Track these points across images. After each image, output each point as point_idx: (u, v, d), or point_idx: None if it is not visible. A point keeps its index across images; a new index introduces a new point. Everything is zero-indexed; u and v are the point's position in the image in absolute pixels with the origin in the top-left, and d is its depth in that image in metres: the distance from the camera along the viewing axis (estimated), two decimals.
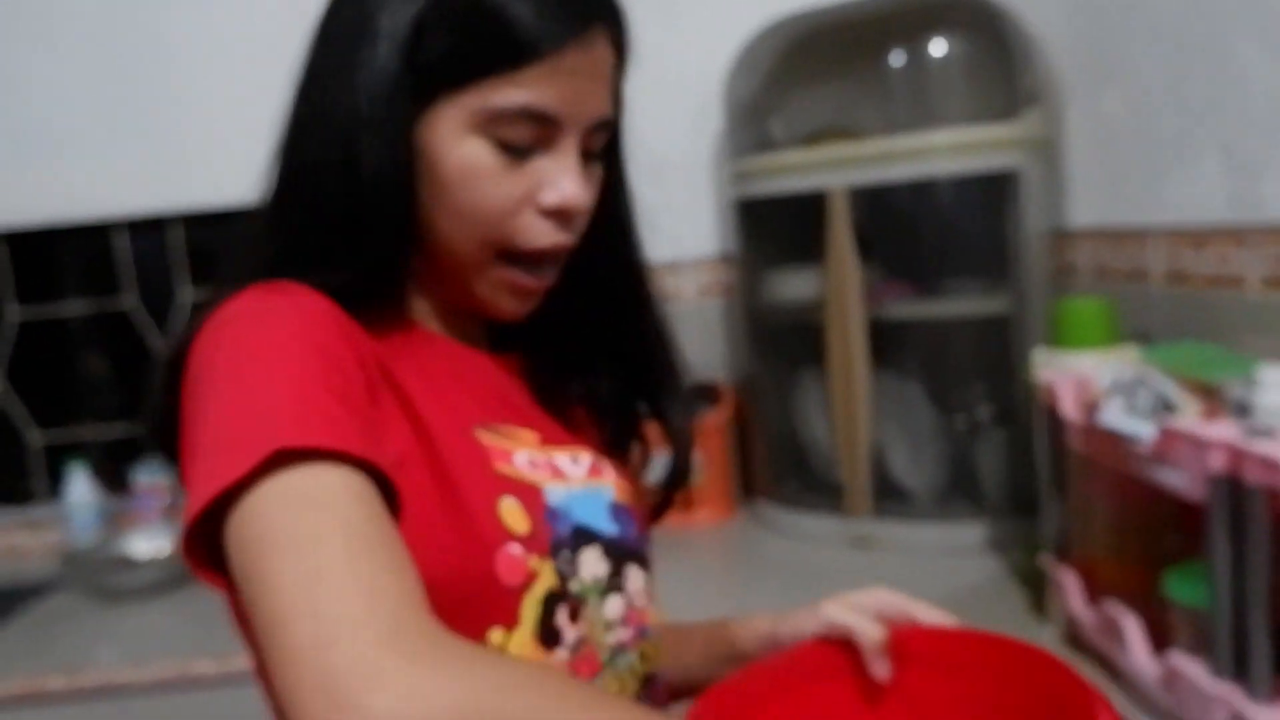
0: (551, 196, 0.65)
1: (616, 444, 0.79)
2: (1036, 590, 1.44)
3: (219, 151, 1.96)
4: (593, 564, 0.69)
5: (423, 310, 0.72)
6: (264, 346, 0.56)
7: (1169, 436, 1.05)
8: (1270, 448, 0.89)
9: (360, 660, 0.45)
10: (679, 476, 0.81)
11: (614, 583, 0.70)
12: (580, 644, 0.67)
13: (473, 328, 0.76)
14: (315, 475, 0.51)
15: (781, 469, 1.99)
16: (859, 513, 1.81)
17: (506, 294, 0.69)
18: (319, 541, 0.49)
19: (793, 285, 1.90)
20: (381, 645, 0.45)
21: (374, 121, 0.62)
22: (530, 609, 0.64)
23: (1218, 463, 0.96)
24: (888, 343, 1.82)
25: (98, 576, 1.81)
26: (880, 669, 0.66)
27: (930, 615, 0.70)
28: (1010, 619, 1.43)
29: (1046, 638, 1.37)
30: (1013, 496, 1.77)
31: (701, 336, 2.15)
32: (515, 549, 0.64)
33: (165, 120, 2.07)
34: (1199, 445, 0.99)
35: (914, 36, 1.78)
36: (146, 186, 2.09)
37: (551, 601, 0.65)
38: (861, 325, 1.77)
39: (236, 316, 0.58)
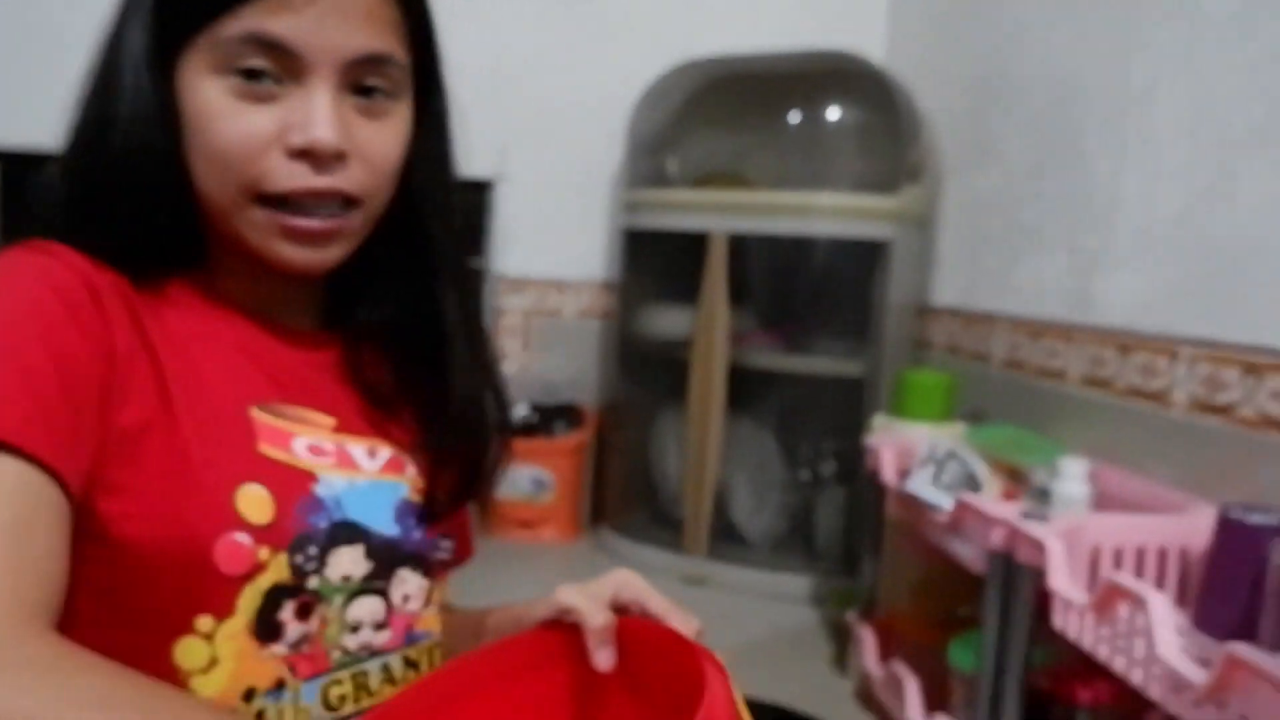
0: (296, 137, 0.61)
1: (436, 440, 0.75)
2: (844, 644, 1.49)
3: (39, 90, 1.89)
4: (347, 563, 0.66)
5: (231, 285, 0.69)
6: None
7: (962, 510, 1.10)
8: (1040, 530, 0.94)
9: None
10: (470, 487, 0.76)
11: (373, 584, 0.68)
12: (304, 641, 0.65)
13: (287, 302, 0.71)
14: None
15: (630, 498, 2.01)
16: (697, 551, 1.84)
17: (279, 240, 0.64)
18: None
19: (667, 320, 1.93)
20: None
21: (123, 77, 0.62)
22: (249, 600, 0.62)
23: (997, 539, 1.01)
24: (748, 389, 1.87)
25: None
26: (602, 658, 0.63)
27: (660, 606, 0.65)
28: (813, 670, 1.47)
29: (841, 691, 1.41)
30: (843, 553, 1.82)
31: (576, 357, 2.17)
32: (242, 538, 0.62)
33: None
34: (985, 521, 1.04)
35: (814, 98, 1.85)
36: None
37: (276, 595, 0.63)
38: (724, 368, 1.81)
39: None
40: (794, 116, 1.87)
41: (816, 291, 1.89)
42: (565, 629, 0.67)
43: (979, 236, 1.72)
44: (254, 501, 0.63)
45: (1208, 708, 0.69)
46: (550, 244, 2.17)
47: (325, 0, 0.60)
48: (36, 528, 0.53)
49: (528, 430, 2.02)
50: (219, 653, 0.62)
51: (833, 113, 1.85)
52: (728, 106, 1.95)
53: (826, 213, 1.77)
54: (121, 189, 0.62)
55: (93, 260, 0.61)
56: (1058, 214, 1.49)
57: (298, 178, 0.62)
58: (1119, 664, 0.82)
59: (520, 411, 2.04)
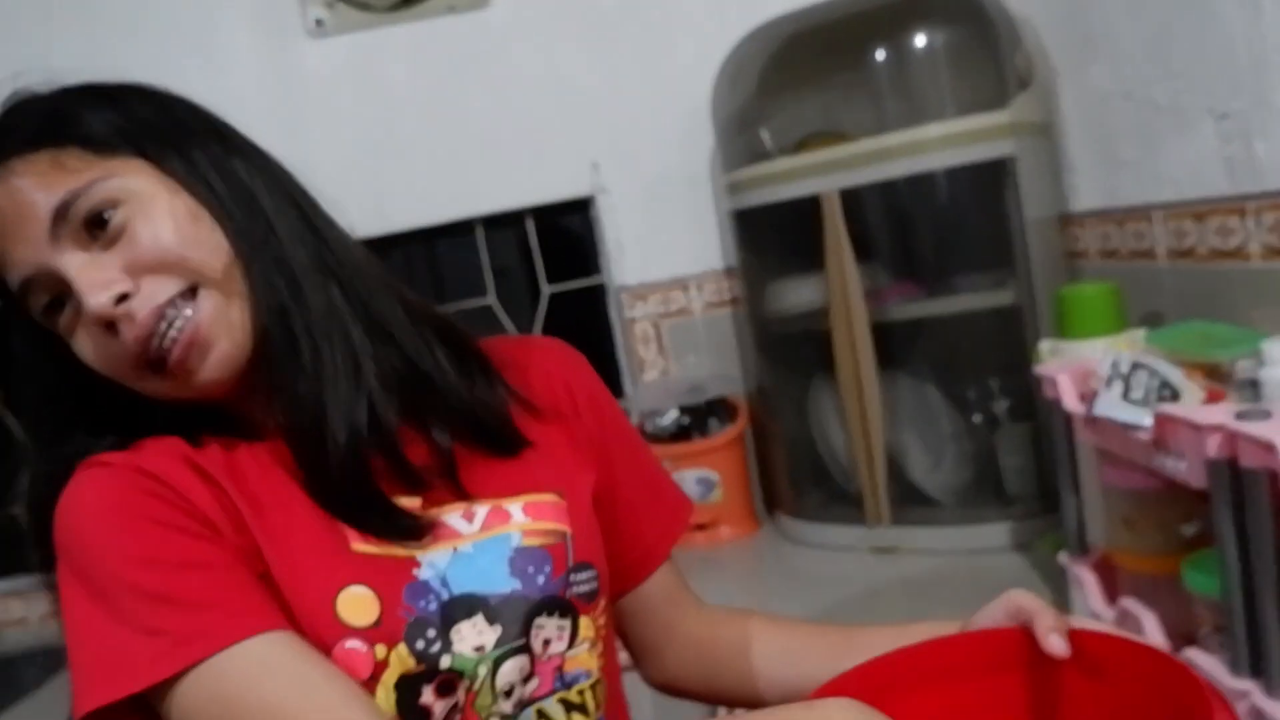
0: (87, 318, 0.64)
1: (499, 450, 0.74)
2: (1062, 587, 1.39)
3: None
4: (472, 636, 0.67)
5: (254, 409, 0.71)
6: (112, 557, 0.61)
7: (1165, 423, 1.01)
8: (1263, 429, 0.85)
9: None
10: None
11: (511, 646, 0.68)
12: (452, 713, 0.66)
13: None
14: (219, 671, 0.59)
15: (801, 480, 1.95)
16: (880, 521, 1.77)
17: (182, 382, 0.66)
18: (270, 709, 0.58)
19: (796, 293, 1.87)
20: None
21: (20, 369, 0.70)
22: (383, 698, 0.64)
23: (1214, 448, 0.92)
24: (896, 345, 1.78)
25: None
26: (1055, 644, 0.61)
27: (1055, 620, 0.64)
28: None
29: None
30: (1037, 491, 1.71)
31: (714, 351, 2.13)
32: (354, 643, 0.64)
33: None
34: (1195, 430, 0.95)
35: (896, 32, 1.75)
36: None
37: (410, 683, 0.65)
38: (866, 329, 1.74)
39: (77, 524, 0.63)
40: (880, 55, 1.78)
41: (946, 228, 1.79)
42: (1015, 635, 0.64)
43: (1109, 130, 1.59)
44: (356, 604, 0.64)
45: None
46: (664, 245, 2.14)
47: (6, 219, 0.64)
48: (316, 666, 0.59)
49: (683, 435, 1.99)
50: None
51: (919, 40, 1.75)
52: (807, 64, 1.88)
53: (938, 145, 1.67)
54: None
55: (139, 445, 0.66)
56: (1194, 85, 1.35)
57: (129, 336, 0.63)
58: None
59: (670, 416, 2.02)
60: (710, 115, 1.98)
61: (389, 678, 0.64)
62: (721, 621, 0.83)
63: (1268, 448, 0.83)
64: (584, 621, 0.72)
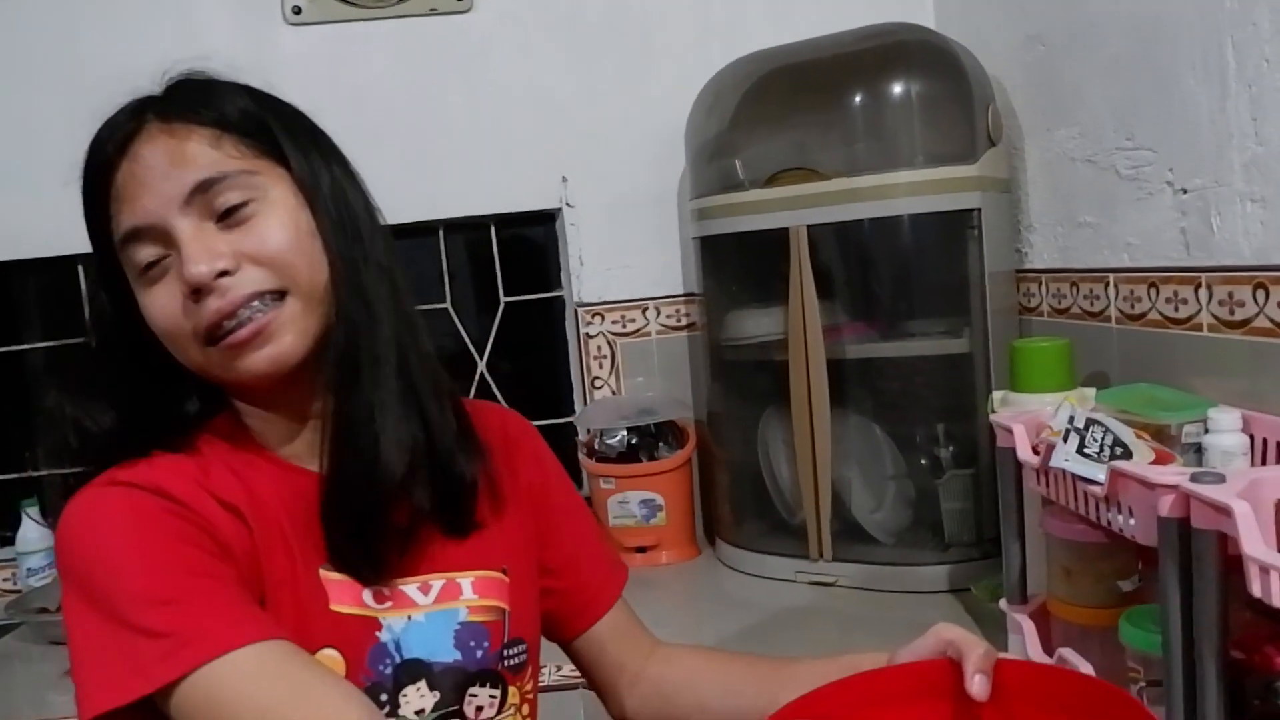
0: (182, 280, 0.69)
1: (459, 520, 0.79)
2: (996, 634, 1.42)
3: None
4: (415, 700, 0.73)
5: (270, 431, 0.77)
6: (120, 568, 0.64)
7: (1119, 479, 1.04)
8: (1217, 491, 0.88)
9: None
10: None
11: (447, 710, 0.75)
12: None
13: (314, 442, 0.76)
14: (214, 678, 0.62)
15: (744, 509, 1.97)
16: (820, 555, 1.79)
17: (236, 359, 0.71)
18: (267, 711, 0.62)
19: (756, 323, 1.89)
20: None
21: (101, 311, 0.75)
22: None
23: (1166, 507, 0.95)
24: (848, 383, 1.81)
25: (50, 621, 1.76)
26: (979, 687, 0.65)
27: (983, 655, 0.68)
28: None
29: None
30: (975, 538, 1.75)
31: (668, 374, 2.14)
32: None
33: None
34: (1149, 488, 0.98)
35: (874, 78, 1.79)
36: None
37: None
38: (823, 364, 1.76)
39: (89, 535, 0.66)
40: (856, 98, 1.81)
41: (906, 273, 1.83)
42: (943, 666, 0.68)
43: (1071, 192, 1.65)
44: (328, 666, 0.69)
45: None
46: (626, 265, 2.14)
47: (142, 172, 0.69)
48: (313, 669, 0.63)
49: (630, 455, 1.99)
50: None
51: (896, 88, 1.79)
52: (785, 100, 1.90)
53: (906, 191, 1.71)
54: (149, 400, 0.73)
55: (155, 463, 0.69)
56: (1157, 158, 1.41)
57: (211, 308, 0.69)
58: None
59: (619, 436, 2.01)
60: (684, 140, 1.99)
61: None
62: (671, 659, 0.90)
63: (1221, 510, 0.86)
64: (512, 690, 0.79)
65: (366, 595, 0.74)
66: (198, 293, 0.69)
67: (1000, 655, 0.68)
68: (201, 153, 0.70)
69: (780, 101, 1.90)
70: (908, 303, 1.84)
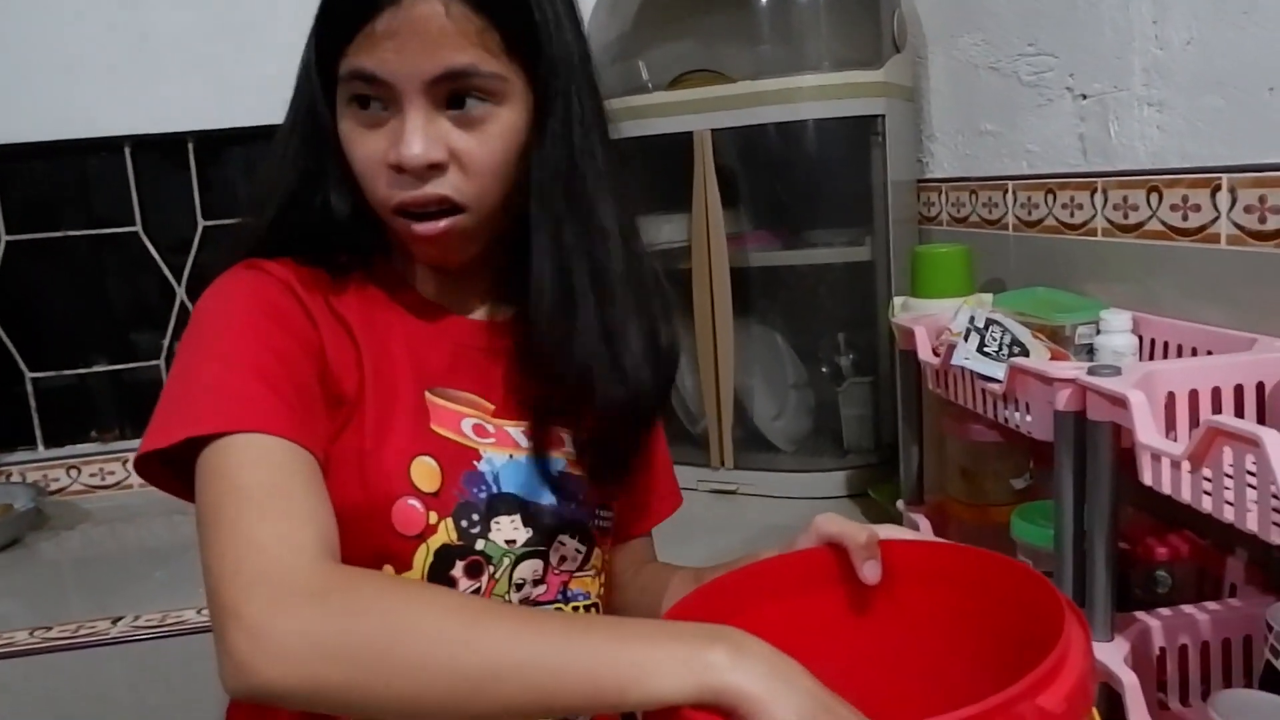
0: (392, 155, 0.69)
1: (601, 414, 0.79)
2: None
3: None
4: (508, 530, 0.75)
5: (410, 276, 0.80)
6: (215, 333, 0.68)
7: (1018, 376, 1.05)
8: (1113, 383, 0.89)
9: (226, 607, 0.55)
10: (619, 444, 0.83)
11: (535, 549, 0.77)
12: (475, 595, 0.73)
13: (465, 289, 0.81)
14: (224, 449, 0.63)
15: None
16: (723, 463, 1.80)
17: (412, 242, 0.74)
18: (219, 509, 0.61)
19: (659, 229, 1.85)
20: (243, 591, 0.55)
21: (298, 103, 0.74)
22: (421, 558, 0.71)
23: (1064, 400, 0.97)
24: (751, 291, 1.80)
25: None
26: (869, 571, 0.67)
27: (865, 540, 0.68)
28: None
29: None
30: (874, 444, 1.78)
31: None
32: (414, 503, 0.71)
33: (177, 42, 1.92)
34: (1048, 383, 0.99)
35: None
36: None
37: (446, 555, 0.72)
38: (726, 273, 1.74)
39: (209, 300, 0.71)
40: (762, 0, 1.77)
41: (810, 181, 1.81)
42: (828, 554, 0.68)
43: (974, 100, 1.65)
44: (426, 472, 0.72)
45: None
46: None
47: (404, 30, 0.67)
48: (296, 488, 0.63)
49: None
50: None
51: None
52: (690, 1, 1.85)
53: (811, 95, 1.68)
54: (297, 197, 0.74)
55: (295, 265, 0.74)
56: (1059, 64, 1.41)
57: (405, 189, 0.70)
58: (1227, 513, 0.77)
59: None
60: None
61: (434, 542, 0.72)
62: (656, 573, 0.93)
63: (1117, 401, 0.88)
64: (596, 552, 0.82)
65: (466, 425, 0.76)
66: (401, 169, 0.69)
67: (883, 536, 0.69)
68: (466, 36, 0.68)
69: (685, 2, 1.83)
70: (811, 211, 1.83)
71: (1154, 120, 1.23)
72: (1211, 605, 1.03)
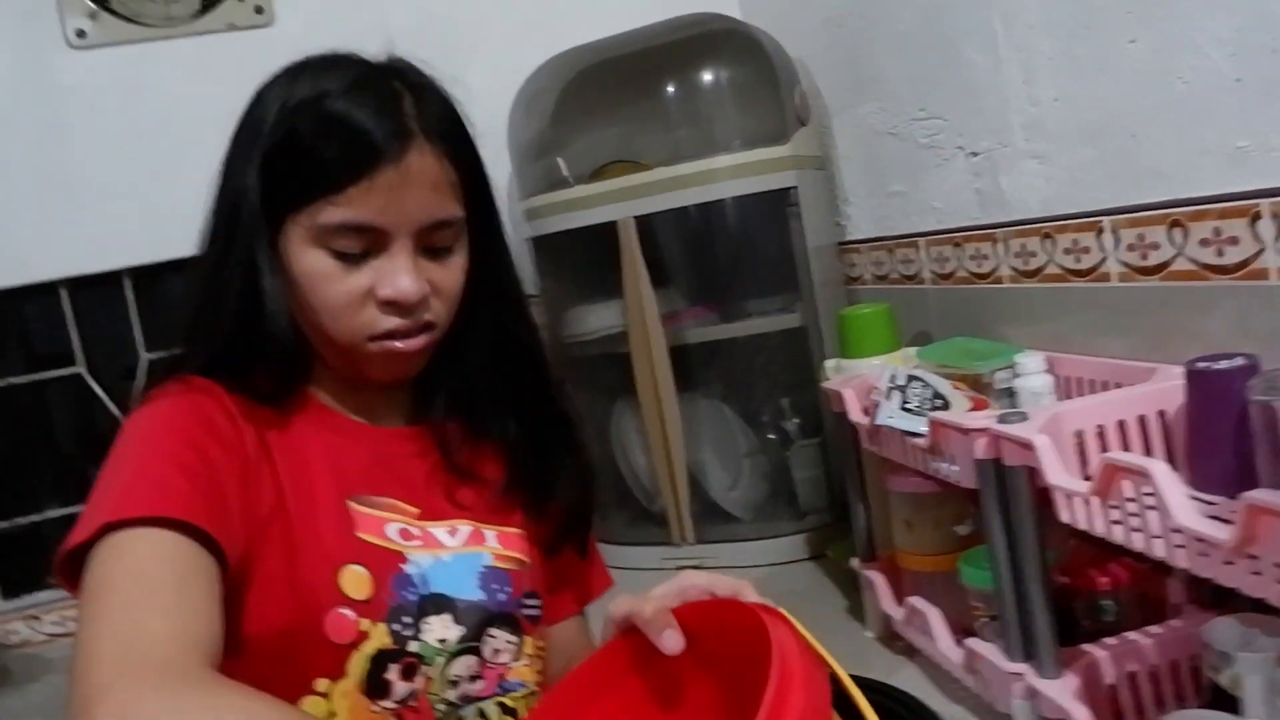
0: (385, 291, 0.75)
1: (532, 504, 0.86)
2: (856, 592, 1.48)
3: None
4: (439, 629, 0.78)
5: (328, 391, 0.83)
6: (139, 438, 0.72)
7: (938, 429, 1.09)
8: (1020, 429, 0.94)
9: (98, 687, 0.56)
10: (566, 532, 0.88)
11: (467, 645, 0.79)
12: (411, 696, 0.75)
13: (380, 404, 0.85)
14: (131, 537, 0.64)
15: (604, 503, 1.97)
16: (684, 539, 1.82)
17: (383, 362, 0.78)
18: (110, 589, 0.62)
19: (596, 317, 1.90)
20: (120, 674, 0.56)
21: (236, 239, 0.76)
22: (357, 664, 0.73)
23: (981, 449, 1.01)
24: (692, 366, 1.85)
25: None
26: (669, 643, 0.66)
27: (728, 587, 0.69)
28: (833, 624, 1.46)
29: (864, 639, 1.40)
30: (828, 503, 1.81)
31: None
32: (346, 612, 0.73)
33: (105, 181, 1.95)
34: (963, 434, 1.03)
35: (684, 68, 1.83)
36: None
37: (381, 659, 0.74)
38: (665, 351, 1.79)
39: (138, 413, 0.74)
40: (670, 89, 1.85)
41: (735, 255, 1.88)
42: (634, 636, 0.68)
43: (880, 164, 1.73)
44: (355, 580, 0.74)
45: (1239, 562, 0.69)
46: None
47: (404, 184, 0.73)
48: (194, 587, 0.64)
49: None
50: (336, 708, 0.72)
51: (706, 76, 1.84)
52: (603, 94, 1.93)
53: (726, 175, 1.76)
54: (238, 327, 0.76)
55: (224, 385, 0.77)
56: (949, 126, 1.49)
57: (393, 321, 0.76)
58: (1137, 541, 0.81)
59: None
60: (506, 142, 1.98)
61: (368, 647, 0.73)
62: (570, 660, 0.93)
63: (1025, 446, 0.92)
64: (528, 640, 0.84)
65: (391, 530, 0.79)
66: (393, 304, 0.75)
67: (684, 585, 0.70)
68: (446, 190, 0.76)
69: (598, 96, 1.91)
70: (740, 283, 1.89)
71: (1038, 172, 1.30)
72: (1154, 629, 1.07)
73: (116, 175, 1.95)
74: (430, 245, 0.77)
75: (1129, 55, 1.11)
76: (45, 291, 1.99)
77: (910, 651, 1.32)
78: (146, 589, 0.62)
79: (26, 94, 1.91)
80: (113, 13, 1.93)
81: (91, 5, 1.91)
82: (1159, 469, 0.75)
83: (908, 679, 1.26)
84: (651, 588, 0.72)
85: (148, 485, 0.67)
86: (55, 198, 1.94)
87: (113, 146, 1.95)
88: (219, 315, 0.77)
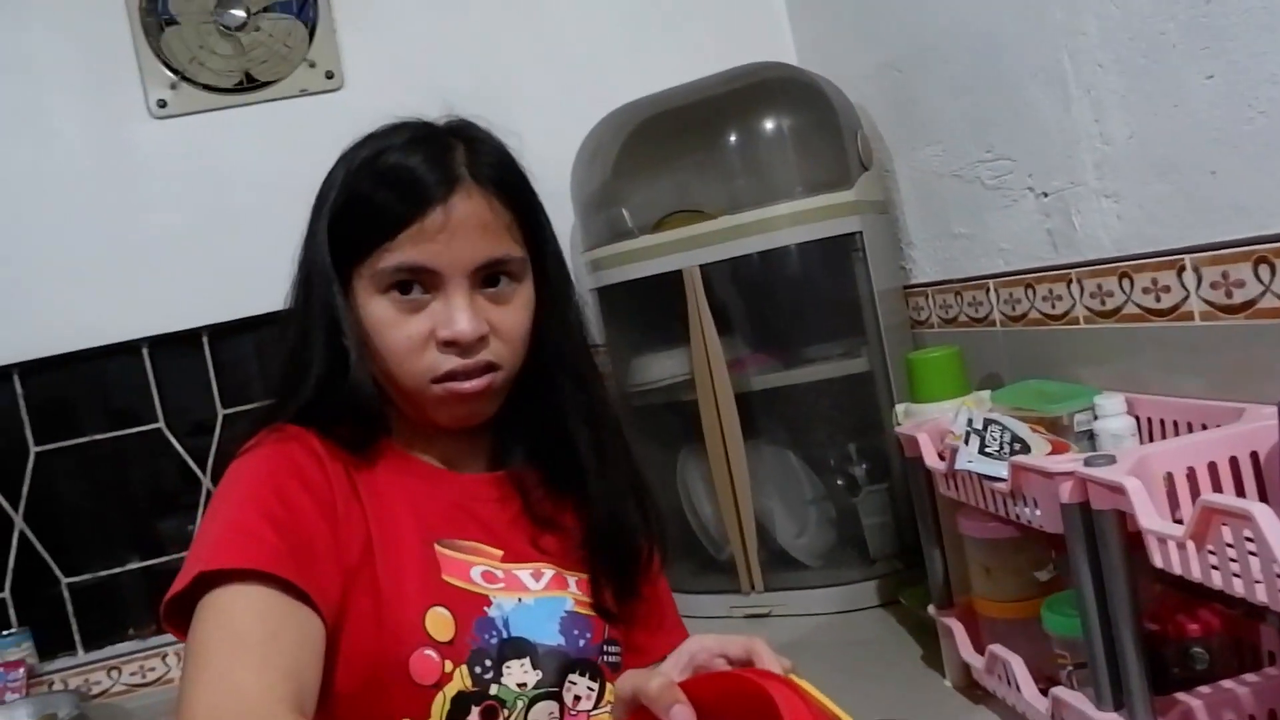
0: (444, 333, 0.78)
1: (591, 553, 0.87)
2: (931, 639, 1.45)
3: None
4: (519, 673, 0.78)
5: (408, 440, 0.86)
6: (235, 489, 0.75)
7: (1021, 473, 1.08)
8: (1109, 472, 0.92)
9: None
10: (627, 588, 0.88)
11: (547, 690, 0.80)
12: None
13: (460, 452, 0.87)
14: (226, 592, 0.67)
15: (671, 552, 1.96)
16: (752, 588, 1.80)
17: (449, 404, 0.80)
18: (205, 647, 0.65)
19: (661, 366, 1.91)
20: None
21: (313, 295, 0.81)
22: (439, 705, 0.74)
23: (1067, 493, 0.99)
24: (757, 414, 1.84)
25: None
26: (679, 716, 0.61)
27: (740, 650, 0.68)
28: (909, 674, 1.43)
29: (943, 689, 1.37)
30: (898, 549, 1.79)
31: None
32: (430, 653, 0.75)
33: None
34: (1048, 478, 1.02)
35: (745, 116, 1.85)
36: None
37: (463, 701, 0.75)
38: (731, 399, 1.79)
39: (238, 464, 0.77)
40: (731, 138, 1.87)
41: (799, 301, 1.88)
42: (643, 716, 0.65)
43: (943, 207, 1.72)
44: (439, 621, 0.76)
45: None
46: None
47: (453, 225, 0.77)
48: (291, 639, 0.67)
49: None
50: None
51: (768, 124, 1.85)
52: (663, 145, 1.95)
53: (788, 222, 1.76)
54: (324, 379, 0.80)
55: (317, 433, 0.79)
56: (1017, 165, 1.49)
57: (453, 361, 0.79)
58: (1237, 586, 0.79)
59: None
60: (570, 196, 2.02)
61: (450, 689, 0.75)
62: None
63: (1115, 489, 0.91)
64: (609, 687, 0.83)
65: (475, 573, 0.80)
66: (452, 344, 0.78)
67: (690, 651, 0.69)
68: (500, 231, 0.79)
69: (659, 147, 1.94)
70: (804, 329, 1.89)
71: (1112, 210, 1.29)
72: (1250, 677, 1.03)
73: (192, 237, 2.02)
74: (488, 286, 0.80)
75: (1204, 90, 1.10)
76: (127, 351, 2.06)
77: (988, 699, 1.28)
78: (238, 646, 0.64)
79: (108, 161, 2.00)
80: (192, 82, 2.01)
81: (172, 76, 2.00)
82: (1262, 511, 0.73)
83: None
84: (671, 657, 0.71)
85: (240, 537, 0.69)
86: (134, 260, 2.01)
87: (188, 210, 2.02)
88: (307, 367, 0.80)
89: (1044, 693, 1.13)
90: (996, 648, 1.23)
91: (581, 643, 0.83)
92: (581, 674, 0.83)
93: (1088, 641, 1.02)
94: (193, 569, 0.68)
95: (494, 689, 0.77)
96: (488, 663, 0.77)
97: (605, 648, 0.85)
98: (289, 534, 0.70)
